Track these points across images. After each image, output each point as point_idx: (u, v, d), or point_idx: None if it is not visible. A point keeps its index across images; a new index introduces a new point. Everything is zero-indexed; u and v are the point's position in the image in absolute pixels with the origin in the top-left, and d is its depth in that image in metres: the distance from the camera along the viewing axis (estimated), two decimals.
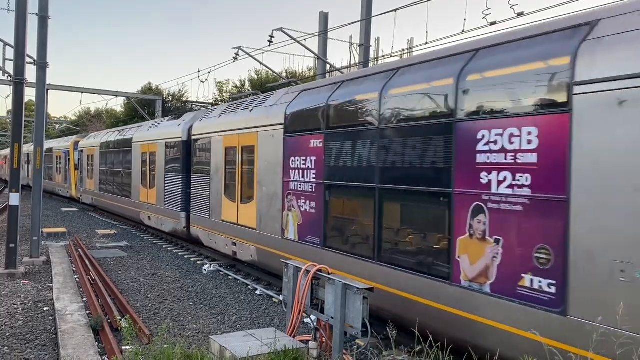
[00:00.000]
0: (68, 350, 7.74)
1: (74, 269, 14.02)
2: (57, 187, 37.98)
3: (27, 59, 14.29)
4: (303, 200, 10.35)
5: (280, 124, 11.29)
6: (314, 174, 10.00)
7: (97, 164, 27.71)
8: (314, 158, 10.00)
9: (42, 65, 15.04)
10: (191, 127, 16.70)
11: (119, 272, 13.99)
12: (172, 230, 17.61)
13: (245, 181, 13.08)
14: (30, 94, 22.04)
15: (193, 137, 16.34)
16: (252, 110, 12.97)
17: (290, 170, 10.83)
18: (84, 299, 11.02)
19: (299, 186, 10.52)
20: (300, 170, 10.44)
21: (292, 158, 10.76)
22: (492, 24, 11.19)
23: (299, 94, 11.23)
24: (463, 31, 11.92)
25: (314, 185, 10.02)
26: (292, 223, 10.72)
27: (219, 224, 14.37)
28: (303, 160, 10.35)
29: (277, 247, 11.31)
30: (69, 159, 34.33)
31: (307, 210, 10.22)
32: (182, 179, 16.79)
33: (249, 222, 12.67)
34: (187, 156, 16.73)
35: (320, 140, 9.81)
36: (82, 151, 31.15)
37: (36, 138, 15.34)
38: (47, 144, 40.98)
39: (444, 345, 5.76)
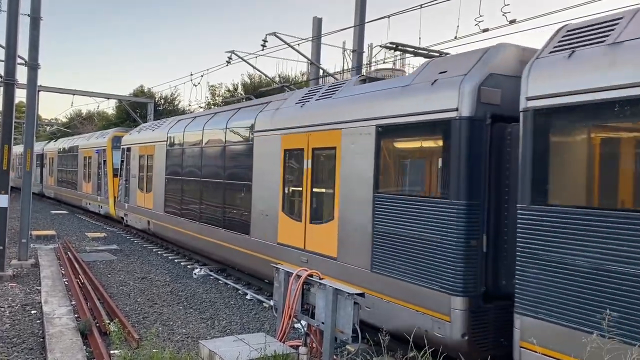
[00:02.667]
0: (55, 354, 7.66)
1: (63, 272, 13.90)
2: (85, 200, 28.17)
3: (18, 60, 14.22)
4: None
5: None
6: None
7: (160, 168, 17.46)
8: None
9: (33, 66, 14.95)
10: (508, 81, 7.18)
11: (109, 276, 13.88)
12: (421, 332, 7.06)
13: None
14: (20, 95, 21.99)
15: (547, 103, 5.97)
16: None
17: None
18: (73, 303, 10.92)
19: None
20: None
21: None
22: (485, 31, 11.25)
23: None
24: (456, 37, 11.97)
25: None
26: None
27: None
28: None
29: None
30: (104, 161, 24.93)
31: None
32: (456, 216, 7.07)
33: None
34: (475, 159, 7.06)
35: None
36: (128, 150, 21.04)
37: (26, 139, 15.22)
38: (72, 141, 32.76)
39: (437, 353, 5.74)
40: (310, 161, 10.04)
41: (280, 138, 10.99)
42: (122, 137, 23.02)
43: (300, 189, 10.24)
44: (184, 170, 15.78)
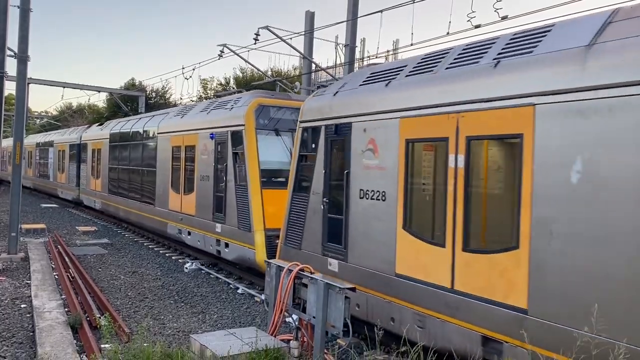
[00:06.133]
0: (45, 348, 7.63)
1: (53, 266, 13.83)
2: (176, 224, 15.62)
3: (8, 52, 14.09)
4: None
5: None
6: None
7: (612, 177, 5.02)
8: None
9: (22, 59, 14.82)
10: None
11: (99, 270, 13.83)
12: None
13: None
14: (10, 88, 21.78)
15: None
16: None
17: None
18: (63, 297, 10.87)
19: None
20: None
21: None
22: (477, 27, 11.27)
23: None
24: (448, 33, 11.99)
25: None
26: None
27: None
28: None
29: None
30: (235, 155, 12.74)
31: None
32: None
33: None
34: None
35: None
36: (343, 128, 8.48)
37: (16, 133, 15.11)
38: (138, 123, 19.90)
39: (428, 348, 5.77)
40: None
41: None
42: (277, 106, 12.88)
43: None
44: None
